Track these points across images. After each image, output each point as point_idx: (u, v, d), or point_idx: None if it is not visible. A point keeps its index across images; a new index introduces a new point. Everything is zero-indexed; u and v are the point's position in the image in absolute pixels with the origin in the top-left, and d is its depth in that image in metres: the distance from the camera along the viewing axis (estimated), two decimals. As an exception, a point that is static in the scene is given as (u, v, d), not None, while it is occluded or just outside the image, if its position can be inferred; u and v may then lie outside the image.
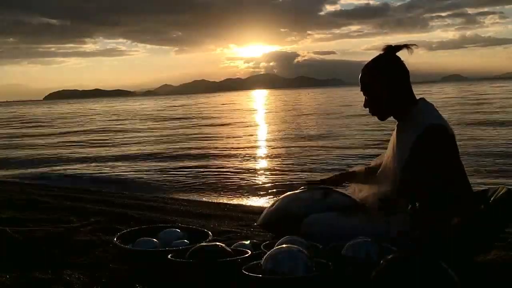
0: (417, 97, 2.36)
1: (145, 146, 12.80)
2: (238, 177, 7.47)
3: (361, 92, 2.39)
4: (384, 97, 2.29)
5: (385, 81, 2.27)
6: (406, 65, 2.30)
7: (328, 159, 8.99)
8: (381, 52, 2.32)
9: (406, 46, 2.27)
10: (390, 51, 2.29)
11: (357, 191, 2.61)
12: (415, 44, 2.26)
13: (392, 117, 2.38)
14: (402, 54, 2.30)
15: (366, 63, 2.38)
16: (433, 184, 2.10)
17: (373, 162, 2.69)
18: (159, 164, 9.20)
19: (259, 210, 4.09)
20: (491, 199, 2.13)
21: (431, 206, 2.12)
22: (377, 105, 2.35)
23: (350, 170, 2.84)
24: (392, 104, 2.31)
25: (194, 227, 2.84)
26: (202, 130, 17.52)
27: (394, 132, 2.41)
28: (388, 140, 2.53)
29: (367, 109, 2.40)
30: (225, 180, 7.24)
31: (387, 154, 2.45)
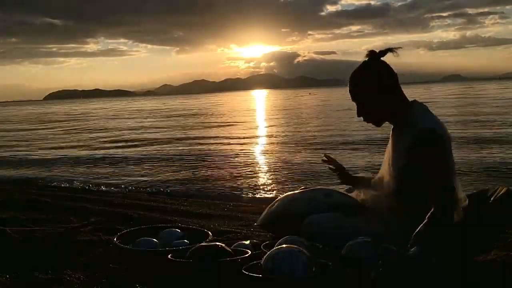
0: (415, 98, 2.34)
1: (145, 146, 12.80)
2: (238, 177, 7.47)
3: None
4: (376, 104, 2.26)
5: (375, 88, 2.22)
6: (393, 69, 2.25)
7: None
8: (366, 59, 2.26)
9: (390, 50, 2.23)
10: (375, 56, 2.25)
11: (358, 193, 2.61)
12: (400, 47, 2.22)
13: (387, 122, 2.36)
14: (396, 56, 2.28)
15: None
16: (428, 188, 2.09)
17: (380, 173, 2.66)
18: (159, 164, 9.20)
19: (259, 210, 4.09)
20: (491, 199, 2.12)
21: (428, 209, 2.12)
22: (370, 112, 2.30)
23: (356, 175, 2.80)
24: (385, 110, 2.27)
25: (194, 227, 2.84)
26: (202, 130, 17.54)
27: (390, 137, 2.39)
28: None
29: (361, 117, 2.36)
30: (225, 180, 7.24)
31: (384, 159, 2.44)
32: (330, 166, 2.75)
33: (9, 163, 10.33)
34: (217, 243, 2.15)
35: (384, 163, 2.40)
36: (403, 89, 2.29)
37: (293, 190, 2.81)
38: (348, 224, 2.32)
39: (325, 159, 2.75)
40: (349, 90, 2.31)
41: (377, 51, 2.25)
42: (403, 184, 2.18)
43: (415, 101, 2.29)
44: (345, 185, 2.84)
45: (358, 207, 2.50)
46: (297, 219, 2.41)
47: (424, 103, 2.29)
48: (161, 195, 6.14)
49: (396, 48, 2.23)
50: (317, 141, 12.25)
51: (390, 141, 2.38)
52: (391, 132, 2.38)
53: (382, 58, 2.25)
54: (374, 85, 2.23)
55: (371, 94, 2.24)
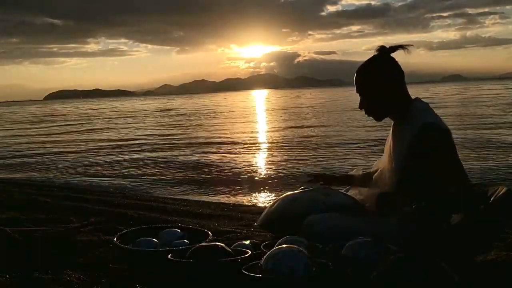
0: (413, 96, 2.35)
1: (145, 145, 12.79)
2: (238, 177, 7.47)
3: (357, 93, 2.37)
4: (380, 99, 2.28)
5: (381, 83, 2.24)
6: (401, 66, 2.28)
7: (329, 159, 8.99)
8: (375, 53, 2.29)
9: (401, 46, 2.24)
10: (385, 52, 2.27)
11: (358, 193, 2.61)
12: (411, 44, 2.24)
13: (388, 117, 2.38)
14: (398, 54, 2.29)
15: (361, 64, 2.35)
16: (432, 183, 2.10)
17: (373, 167, 2.68)
18: (159, 164, 9.20)
19: (259, 210, 4.09)
20: (491, 199, 2.13)
21: (431, 206, 2.12)
22: (373, 106, 2.32)
23: (348, 173, 2.83)
24: (388, 105, 2.29)
25: (194, 227, 2.84)
26: (202, 130, 17.54)
27: (390, 133, 2.40)
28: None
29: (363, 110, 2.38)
30: (225, 180, 7.24)
31: (384, 155, 2.45)
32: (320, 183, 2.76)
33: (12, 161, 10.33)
34: (217, 243, 2.15)
35: (384, 159, 2.41)
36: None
37: (293, 190, 2.81)
38: (348, 224, 2.32)
39: (310, 178, 2.76)
40: (355, 82, 2.33)
41: (388, 47, 2.26)
42: (404, 177, 2.19)
43: (417, 98, 2.31)
44: (342, 186, 2.85)
45: (358, 207, 2.50)
46: (297, 219, 2.41)
47: (425, 102, 2.31)
48: (161, 195, 6.14)
49: (407, 46, 2.23)
50: (318, 139, 12.25)
51: (390, 137, 2.39)
52: (391, 128, 2.39)
53: (391, 55, 2.27)
54: (379, 80, 2.24)
55: (376, 89, 2.26)
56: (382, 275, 1.63)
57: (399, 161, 2.23)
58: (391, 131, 2.40)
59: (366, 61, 2.31)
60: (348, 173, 2.82)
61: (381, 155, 2.66)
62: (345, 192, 2.70)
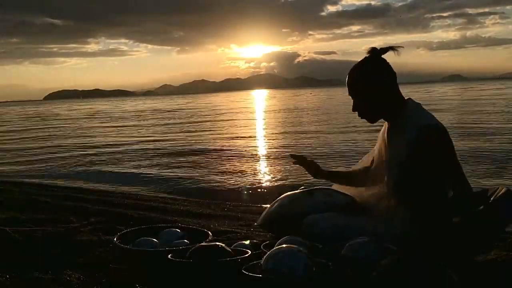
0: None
1: (145, 145, 12.80)
2: (238, 177, 7.47)
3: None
4: (373, 101, 2.26)
5: (373, 85, 2.23)
6: (392, 67, 2.26)
7: (329, 159, 8.98)
8: (367, 55, 2.27)
9: (392, 48, 2.23)
10: (376, 53, 2.26)
11: (357, 193, 2.61)
12: (401, 46, 2.23)
13: (382, 119, 2.37)
14: (397, 55, 2.28)
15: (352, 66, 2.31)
16: (433, 184, 2.10)
17: (357, 166, 2.67)
18: (159, 164, 9.20)
19: (259, 210, 4.10)
20: (491, 199, 2.13)
21: (432, 206, 2.12)
22: (366, 109, 2.31)
23: (335, 169, 2.85)
24: (382, 107, 2.27)
25: (194, 227, 2.84)
26: (202, 130, 17.54)
27: (385, 134, 2.38)
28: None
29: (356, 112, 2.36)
30: (225, 180, 7.24)
31: (376, 156, 2.44)
32: (295, 161, 2.73)
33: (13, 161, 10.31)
34: (217, 243, 2.15)
35: (378, 160, 2.41)
36: (402, 89, 2.31)
37: (293, 190, 2.81)
38: (348, 224, 2.32)
39: (293, 159, 2.74)
40: (347, 85, 2.32)
41: (379, 48, 2.26)
42: (403, 178, 2.18)
43: (409, 99, 2.31)
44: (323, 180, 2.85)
45: (358, 207, 2.50)
46: (297, 219, 2.41)
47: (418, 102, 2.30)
48: (161, 195, 6.14)
49: (398, 47, 2.23)
50: (318, 139, 12.25)
51: (383, 137, 2.38)
52: (385, 129, 2.37)
53: (383, 56, 2.26)
54: (371, 82, 2.23)
55: (368, 91, 2.25)
56: (382, 275, 1.63)
57: (396, 161, 2.22)
58: (384, 131, 2.38)
59: (356, 63, 2.30)
60: (331, 170, 2.82)
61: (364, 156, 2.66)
62: (343, 192, 2.70)
